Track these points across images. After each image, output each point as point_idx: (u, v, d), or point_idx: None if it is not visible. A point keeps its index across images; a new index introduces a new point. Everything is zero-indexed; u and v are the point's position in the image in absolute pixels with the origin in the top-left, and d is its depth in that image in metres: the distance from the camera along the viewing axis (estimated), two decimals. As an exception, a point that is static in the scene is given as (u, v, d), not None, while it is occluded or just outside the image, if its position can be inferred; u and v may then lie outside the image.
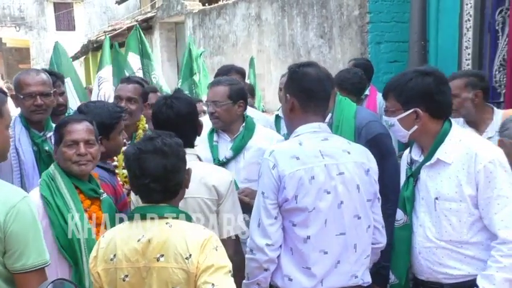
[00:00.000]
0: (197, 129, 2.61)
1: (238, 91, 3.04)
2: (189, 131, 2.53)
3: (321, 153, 2.15)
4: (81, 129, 2.37)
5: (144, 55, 6.00)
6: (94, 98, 5.99)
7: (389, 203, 2.52)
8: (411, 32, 5.11)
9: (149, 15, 11.68)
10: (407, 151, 2.46)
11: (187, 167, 2.00)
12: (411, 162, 2.34)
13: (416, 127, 2.22)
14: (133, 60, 6.01)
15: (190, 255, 1.80)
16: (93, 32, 19.09)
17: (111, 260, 1.89)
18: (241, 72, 4.32)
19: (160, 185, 1.89)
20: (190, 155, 2.42)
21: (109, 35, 11.31)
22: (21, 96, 2.88)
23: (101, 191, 2.45)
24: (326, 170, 2.14)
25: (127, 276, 1.86)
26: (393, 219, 2.45)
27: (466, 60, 4.94)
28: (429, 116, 2.20)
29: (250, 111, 3.60)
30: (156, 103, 2.64)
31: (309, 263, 2.15)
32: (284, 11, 7.06)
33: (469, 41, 4.89)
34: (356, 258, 2.20)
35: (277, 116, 3.83)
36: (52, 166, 2.39)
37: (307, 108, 2.23)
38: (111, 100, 5.16)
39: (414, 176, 2.28)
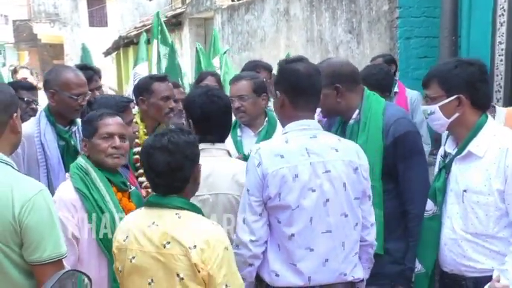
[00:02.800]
0: (231, 126, 2.67)
1: (260, 84, 3.09)
2: (226, 126, 2.59)
3: (307, 151, 2.16)
4: (116, 123, 2.42)
5: (165, 43, 6.01)
6: (129, 92, 6.09)
7: (414, 204, 2.49)
8: (442, 27, 5.00)
9: (178, 11, 11.77)
10: (443, 147, 2.44)
11: (198, 164, 2.04)
12: (445, 155, 2.33)
13: (456, 115, 2.22)
14: (156, 48, 6.06)
15: (195, 246, 1.87)
16: (125, 28, 19.34)
17: (124, 240, 2.00)
18: (268, 68, 4.31)
19: (163, 181, 1.98)
20: (221, 150, 2.51)
21: (139, 30, 11.45)
22: (73, 97, 2.90)
23: (129, 183, 2.51)
24: (312, 168, 2.14)
25: (134, 257, 1.96)
26: (418, 220, 2.42)
27: (499, 56, 4.80)
28: (470, 104, 2.22)
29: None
30: (197, 96, 2.58)
31: (295, 260, 2.16)
32: (313, 6, 7.00)
33: (502, 36, 4.76)
34: (344, 256, 2.20)
35: None
36: (82, 159, 2.41)
37: (297, 105, 2.23)
38: None
39: (446, 168, 2.29)
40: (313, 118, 2.27)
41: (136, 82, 5.91)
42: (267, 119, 3.11)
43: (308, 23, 7.13)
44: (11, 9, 28.94)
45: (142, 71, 6.06)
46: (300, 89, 2.23)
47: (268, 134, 3.05)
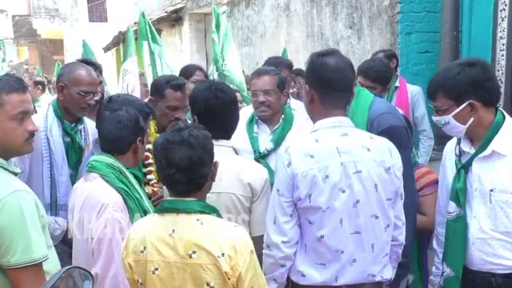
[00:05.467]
0: (237, 121, 2.62)
1: (283, 80, 3.07)
2: (231, 122, 2.55)
3: (338, 150, 2.10)
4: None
5: (153, 40, 5.87)
6: (119, 90, 5.96)
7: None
8: (443, 22, 4.99)
9: (178, 6, 11.72)
10: (451, 143, 2.41)
11: (214, 160, 2.00)
12: (460, 154, 2.30)
13: (472, 119, 2.19)
14: (146, 49, 5.89)
15: (223, 254, 1.82)
16: (125, 24, 19.28)
17: (141, 252, 1.90)
18: (290, 67, 4.26)
19: (184, 177, 1.89)
20: (226, 147, 2.45)
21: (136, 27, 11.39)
22: (81, 93, 2.88)
23: None
24: (342, 168, 2.09)
25: (157, 269, 1.88)
26: (405, 215, 2.36)
27: (500, 51, 4.79)
28: (482, 105, 2.19)
29: (293, 102, 3.59)
30: (201, 91, 2.56)
31: (324, 260, 2.13)
32: (313, 1, 6.98)
33: (503, 31, 4.74)
34: (373, 258, 2.16)
35: None
36: (108, 158, 2.28)
37: (326, 100, 2.17)
38: (136, 92, 5.13)
39: (465, 167, 2.25)
40: (344, 115, 2.20)
41: (124, 78, 5.82)
42: (283, 116, 3.07)
43: (309, 18, 7.11)
44: (10, 4, 28.83)
45: (131, 67, 5.93)
46: (329, 83, 2.15)
47: (283, 132, 3.01)
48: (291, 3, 7.53)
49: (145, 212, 2.23)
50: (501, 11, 4.72)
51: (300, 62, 7.33)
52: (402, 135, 2.61)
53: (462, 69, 2.19)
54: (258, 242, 2.18)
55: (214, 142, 2.39)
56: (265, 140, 3.02)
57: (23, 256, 1.77)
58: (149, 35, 5.79)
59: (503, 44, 4.76)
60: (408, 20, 5.42)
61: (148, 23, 5.92)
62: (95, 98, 2.96)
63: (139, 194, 2.27)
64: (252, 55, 8.70)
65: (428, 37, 5.44)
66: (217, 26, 5.59)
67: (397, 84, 4.67)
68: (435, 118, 2.32)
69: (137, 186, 2.30)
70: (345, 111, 2.23)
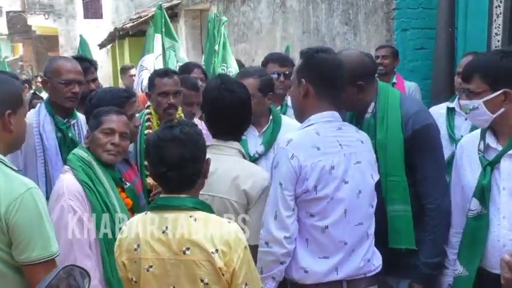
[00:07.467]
0: (248, 122, 2.53)
1: (267, 83, 2.90)
2: (241, 123, 2.46)
3: (339, 142, 2.15)
4: (120, 121, 2.45)
5: (169, 35, 5.84)
6: (135, 86, 6.02)
7: (430, 198, 2.40)
8: (439, 19, 5.00)
9: (174, 2, 11.68)
10: (466, 139, 2.35)
11: (207, 157, 1.98)
12: (484, 150, 2.20)
13: (502, 110, 2.10)
14: (159, 42, 5.86)
15: (217, 250, 1.81)
16: (120, 20, 19.20)
17: (135, 250, 1.89)
18: (293, 64, 4.21)
19: (176, 174, 1.88)
20: (232, 149, 2.38)
21: (135, 22, 11.37)
22: (62, 82, 2.93)
23: (124, 179, 2.55)
24: (345, 159, 2.14)
25: (151, 266, 1.87)
26: (435, 214, 2.35)
27: (496, 47, 4.80)
28: None
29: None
30: (210, 90, 2.46)
31: (327, 253, 2.13)
32: (309, -2, 6.97)
33: (498, 27, 4.76)
34: (369, 244, 2.22)
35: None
36: (83, 152, 2.40)
37: (324, 96, 2.19)
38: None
39: (492, 164, 2.15)
40: (336, 109, 2.24)
41: (141, 74, 5.89)
42: (271, 117, 2.94)
43: (304, 15, 7.11)
44: (4, 0, 28.67)
45: (148, 63, 5.97)
46: (328, 80, 2.18)
47: (274, 134, 2.87)
48: (287, 0, 7.52)
49: (106, 206, 2.31)
50: (496, 7, 4.73)
51: (296, 58, 7.32)
52: (436, 135, 2.54)
53: (503, 56, 2.12)
54: (252, 252, 2.03)
55: (222, 143, 2.36)
56: (254, 143, 2.89)
57: (43, 251, 1.82)
58: (164, 29, 5.78)
59: (498, 41, 4.77)
60: (404, 16, 5.42)
61: (165, 16, 5.87)
62: (80, 88, 2.99)
63: (104, 188, 2.34)
64: (247, 51, 8.69)
65: (424, 34, 5.44)
66: (219, 35, 5.59)
67: (394, 80, 4.71)
68: (464, 102, 2.22)
69: (106, 183, 2.35)
70: (336, 108, 2.25)
